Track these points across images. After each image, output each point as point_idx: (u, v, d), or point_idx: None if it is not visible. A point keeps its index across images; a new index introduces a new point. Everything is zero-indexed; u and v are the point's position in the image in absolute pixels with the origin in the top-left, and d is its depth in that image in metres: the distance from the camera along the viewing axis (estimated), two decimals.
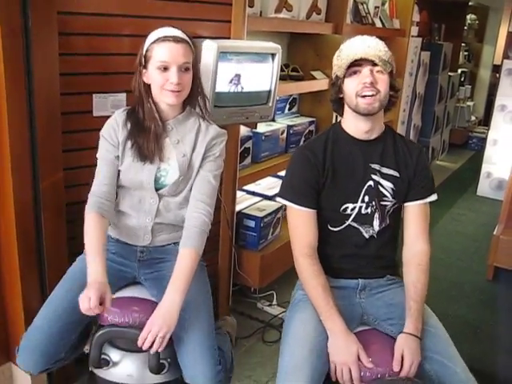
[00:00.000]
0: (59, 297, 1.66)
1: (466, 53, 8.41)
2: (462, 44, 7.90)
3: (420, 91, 5.82)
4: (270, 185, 3.39)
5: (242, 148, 2.91)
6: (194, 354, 1.60)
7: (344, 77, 1.62)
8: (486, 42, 8.71)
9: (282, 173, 3.33)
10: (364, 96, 1.59)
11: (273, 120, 3.36)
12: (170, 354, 1.65)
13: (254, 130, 3.05)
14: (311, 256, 1.65)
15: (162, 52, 1.62)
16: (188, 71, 1.67)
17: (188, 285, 1.64)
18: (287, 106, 3.60)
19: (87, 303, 1.50)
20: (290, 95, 3.55)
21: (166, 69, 1.63)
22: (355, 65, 1.59)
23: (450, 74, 6.73)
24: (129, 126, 1.71)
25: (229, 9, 2.42)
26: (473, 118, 8.35)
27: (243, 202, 3.09)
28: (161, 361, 1.60)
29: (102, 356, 1.63)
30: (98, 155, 1.76)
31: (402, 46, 4.51)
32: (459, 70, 7.66)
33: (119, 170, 1.74)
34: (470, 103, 8.27)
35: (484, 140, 5.66)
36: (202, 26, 2.33)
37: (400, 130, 5.11)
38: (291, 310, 1.73)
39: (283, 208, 3.17)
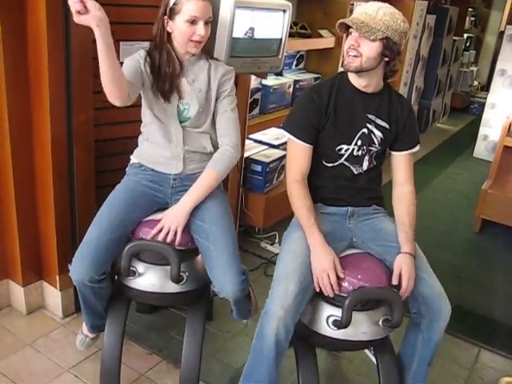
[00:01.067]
0: (104, 217, 1.91)
1: (472, 18, 8.47)
2: (469, 9, 7.97)
3: (424, 54, 5.96)
4: (275, 135, 3.62)
5: (252, 99, 3.13)
6: (221, 263, 1.86)
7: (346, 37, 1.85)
8: (494, 7, 8.76)
9: None
10: (349, 54, 1.81)
11: (280, 74, 3.58)
12: (189, 268, 1.92)
13: (263, 83, 3.26)
14: (301, 182, 1.88)
15: (192, 7, 1.82)
16: (209, 24, 1.90)
17: (202, 197, 1.93)
18: (294, 62, 3.81)
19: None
20: (298, 52, 3.75)
21: (193, 22, 1.84)
22: (349, 27, 1.80)
23: (454, 38, 6.85)
24: (147, 69, 1.91)
25: None
26: (475, 83, 8.49)
27: (250, 149, 3.33)
28: (180, 273, 1.87)
29: (130, 268, 1.90)
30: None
31: (408, 9, 4.65)
32: (465, 35, 7.75)
33: (144, 107, 1.96)
34: (473, 68, 8.39)
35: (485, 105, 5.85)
36: None
37: (402, 91, 5.28)
38: (288, 231, 1.98)
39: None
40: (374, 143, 1.92)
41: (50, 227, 2.32)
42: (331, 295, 1.75)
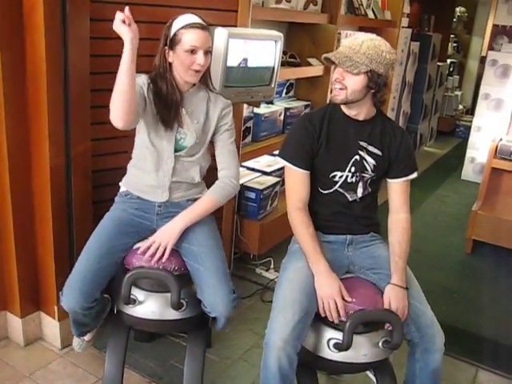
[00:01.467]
0: (92, 246, 1.95)
1: (455, 44, 8.70)
2: (451, 35, 8.18)
3: (409, 80, 6.10)
4: (267, 162, 3.68)
5: (244, 127, 3.19)
6: (211, 283, 1.89)
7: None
8: (475, 33, 8.98)
9: None
10: (335, 87, 1.87)
11: (271, 102, 3.65)
12: (188, 295, 1.94)
13: (254, 111, 3.33)
14: (302, 209, 1.92)
15: (191, 37, 1.88)
16: (209, 54, 1.96)
17: (195, 219, 1.99)
18: (284, 90, 3.88)
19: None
20: (288, 80, 3.83)
21: (193, 52, 1.90)
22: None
23: (438, 63, 7.01)
24: (150, 95, 1.96)
25: None
26: (460, 106, 8.65)
27: (244, 176, 3.37)
28: (180, 300, 1.89)
29: (130, 296, 1.91)
30: None
31: (393, 37, 4.77)
32: (448, 61, 7.94)
33: (141, 133, 2.00)
34: (458, 93, 8.57)
35: (471, 128, 5.94)
36: (211, 15, 2.58)
37: (390, 116, 5.29)
38: (286, 260, 2.01)
39: (280, 183, 3.47)
40: (367, 170, 1.96)
41: (48, 257, 2.33)
42: (336, 321, 1.77)
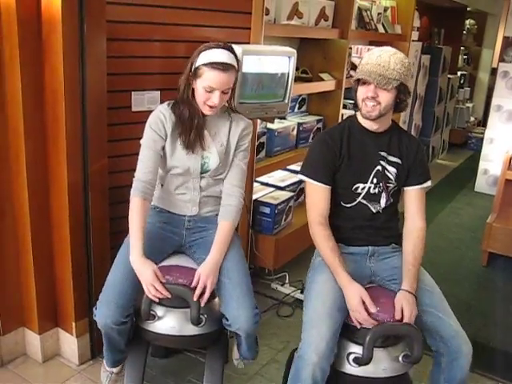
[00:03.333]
0: (123, 261, 1.94)
1: (465, 56, 8.69)
2: (461, 48, 8.18)
3: (420, 92, 6.11)
4: (281, 177, 3.70)
5: (258, 142, 3.21)
6: (235, 296, 1.90)
7: (357, 84, 1.92)
8: (485, 46, 8.98)
9: (292, 166, 3.66)
10: (367, 104, 1.89)
11: (284, 118, 3.66)
12: (206, 310, 1.94)
13: (268, 127, 3.35)
14: (323, 224, 1.94)
15: (210, 78, 1.89)
16: (228, 92, 1.96)
17: (226, 249, 1.98)
18: (297, 106, 3.90)
19: (154, 291, 1.84)
20: (300, 95, 3.85)
21: (210, 91, 1.91)
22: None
23: (449, 76, 7.02)
24: (174, 119, 1.99)
25: (248, 17, 2.73)
26: (472, 118, 8.63)
27: (258, 192, 3.38)
28: (200, 315, 1.89)
29: (150, 311, 1.92)
30: (142, 142, 2.01)
31: (403, 50, 4.69)
32: (458, 73, 7.94)
33: (166, 159, 2.02)
34: (469, 105, 8.55)
35: (483, 140, 5.93)
36: (225, 33, 2.63)
37: None
38: (312, 274, 2.02)
39: (294, 198, 3.48)
40: (390, 179, 1.98)
41: (66, 274, 2.35)
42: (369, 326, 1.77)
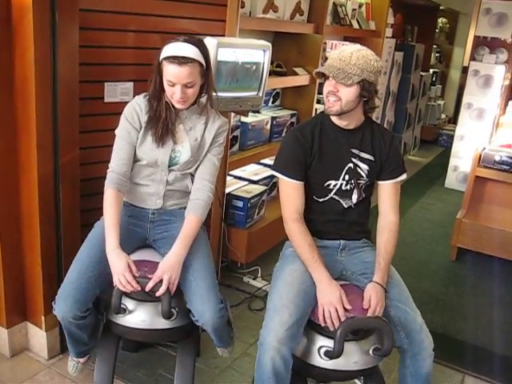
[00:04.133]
0: (84, 255, 1.94)
1: (437, 54, 8.82)
2: (434, 46, 8.30)
3: (393, 89, 6.17)
4: (254, 171, 3.70)
5: (231, 136, 3.20)
6: (200, 291, 1.89)
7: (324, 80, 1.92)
8: (457, 44, 9.11)
9: (266, 160, 3.66)
10: (329, 99, 1.89)
11: (258, 112, 3.65)
12: (178, 304, 1.93)
13: (241, 120, 3.34)
14: (298, 220, 1.93)
15: (168, 72, 1.87)
16: (193, 86, 1.92)
17: (190, 244, 1.97)
18: (271, 100, 3.90)
19: (124, 281, 1.81)
20: (274, 89, 3.85)
21: (173, 85, 1.89)
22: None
23: (421, 73, 7.11)
24: (149, 112, 1.98)
25: (224, 9, 2.72)
26: (443, 116, 8.76)
27: (231, 185, 3.37)
28: (171, 309, 1.88)
29: (121, 305, 1.90)
30: (117, 133, 2.00)
31: (377, 47, 4.83)
32: (431, 71, 8.05)
33: (135, 149, 2.00)
34: (440, 102, 8.67)
35: (453, 137, 6.03)
36: (200, 25, 2.61)
37: None
38: (281, 263, 2.03)
39: (267, 192, 3.48)
40: (362, 176, 1.99)
41: (35, 267, 2.31)
42: (332, 329, 1.77)
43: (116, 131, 2.00)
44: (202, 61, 1.92)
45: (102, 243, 1.92)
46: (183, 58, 1.85)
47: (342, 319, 1.77)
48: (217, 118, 2.08)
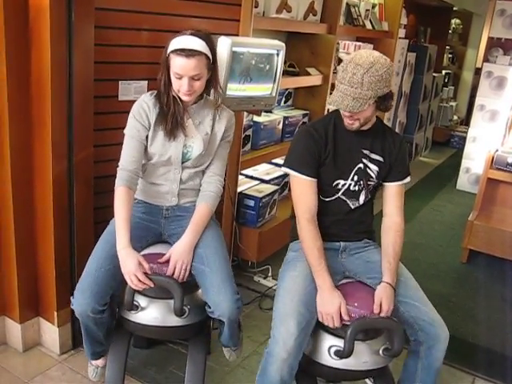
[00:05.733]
0: (100, 249, 1.97)
1: (450, 55, 8.76)
2: (447, 47, 8.24)
3: (406, 90, 6.15)
4: (266, 170, 3.71)
5: (244, 135, 3.21)
6: (216, 282, 1.90)
7: None
8: (470, 45, 9.06)
9: (278, 160, 3.67)
10: (346, 119, 1.89)
11: (270, 111, 3.67)
12: (190, 302, 1.95)
13: (254, 120, 3.35)
14: (312, 221, 1.91)
15: (175, 65, 1.89)
16: (200, 79, 1.93)
17: (201, 231, 2.00)
18: (283, 99, 3.91)
19: (136, 281, 1.84)
20: (286, 89, 3.86)
21: (180, 77, 1.90)
22: None
23: (434, 74, 7.07)
24: (157, 109, 1.99)
25: (238, 9, 2.73)
26: (455, 117, 8.71)
27: (242, 184, 3.38)
28: (183, 306, 1.89)
29: (133, 302, 1.91)
30: (126, 132, 2.01)
31: (390, 47, 4.82)
32: (443, 72, 8.00)
33: (146, 148, 2.01)
34: (452, 103, 8.63)
35: (465, 139, 6.00)
36: (214, 24, 2.63)
37: None
38: (283, 269, 2.03)
39: (279, 191, 3.49)
40: (372, 177, 1.99)
41: (49, 263, 2.33)
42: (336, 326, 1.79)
43: (125, 130, 2.01)
44: (209, 54, 1.93)
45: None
46: (190, 50, 1.87)
47: (337, 325, 1.78)
48: (224, 112, 2.09)
